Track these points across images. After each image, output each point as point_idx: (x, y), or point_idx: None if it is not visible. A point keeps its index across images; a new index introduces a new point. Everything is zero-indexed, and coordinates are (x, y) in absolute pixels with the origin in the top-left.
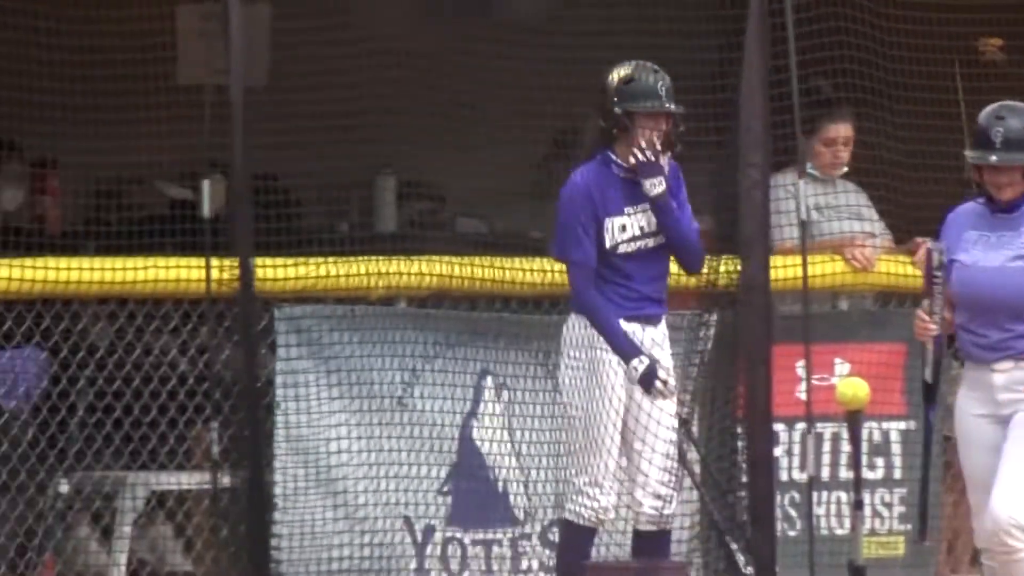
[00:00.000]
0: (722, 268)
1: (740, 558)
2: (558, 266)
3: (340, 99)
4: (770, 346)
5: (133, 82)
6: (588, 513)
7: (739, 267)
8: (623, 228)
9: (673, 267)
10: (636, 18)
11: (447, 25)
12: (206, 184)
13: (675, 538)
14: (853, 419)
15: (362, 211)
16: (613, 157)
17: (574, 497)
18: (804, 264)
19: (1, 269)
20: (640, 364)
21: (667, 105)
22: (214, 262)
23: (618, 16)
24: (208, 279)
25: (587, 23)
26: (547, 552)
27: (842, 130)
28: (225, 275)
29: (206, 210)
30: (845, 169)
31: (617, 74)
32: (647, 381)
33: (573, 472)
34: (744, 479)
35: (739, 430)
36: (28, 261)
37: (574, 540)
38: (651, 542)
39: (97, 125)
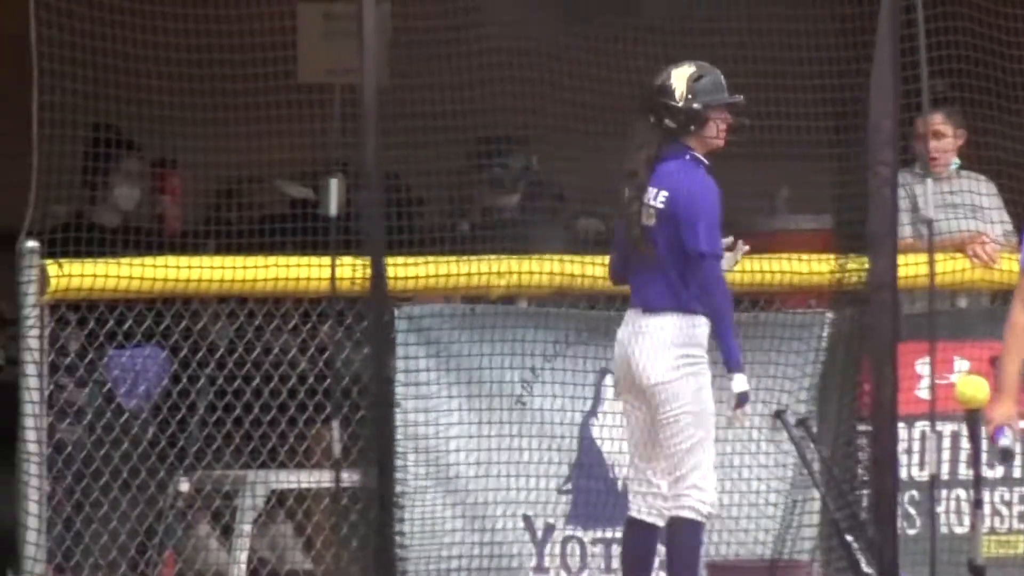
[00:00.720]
0: (850, 266)
1: (861, 557)
2: None
3: (460, 98)
4: (896, 344)
5: (254, 81)
6: (707, 509)
7: (866, 265)
8: None
9: (799, 266)
10: (762, 17)
11: (580, 26)
12: (333, 183)
13: (799, 536)
14: (972, 418)
15: (483, 210)
16: (699, 156)
17: (690, 493)
18: (931, 262)
19: (122, 268)
20: (745, 380)
21: (736, 96)
22: (338, 261)
23: (747, 16)
24: (333, 278)
25: (716, 22)
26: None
27: (930, 124)
28: (350, 274)
29: (332, 209)
30: (954, 165)
31: (684, 73)
32: (744, 398)
33: (687, 469)
34: (865, 478)
35: (860, 428)
36: (148, 260)
37: (692, 536)
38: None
39: (217, 124)
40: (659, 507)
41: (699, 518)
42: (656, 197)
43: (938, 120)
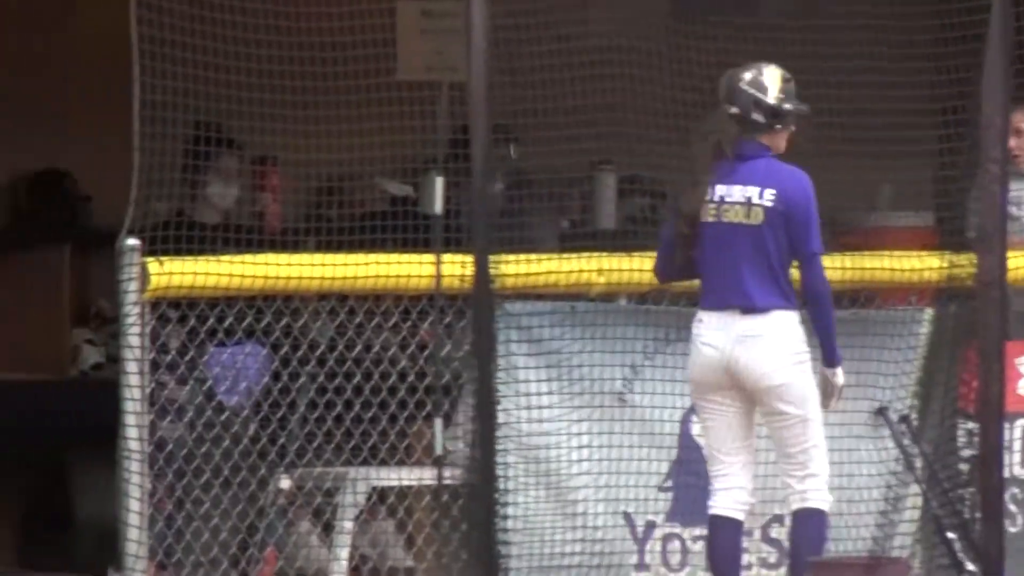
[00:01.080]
0: (959, 262)
1: (962, 554)
2: None
3: (560, 95)
4: (1004, 341)
5: (354, 78)
6: (831, 498)
7: (974, 262)
8: None
9: (900, 263)
10: (863, 14)
11: (688, 24)
12: (438, 181)
13: (900, 531)
14: None
15: (583, 207)
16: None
17: (821, 486)
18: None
19: (222, 265)
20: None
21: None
22: (442, 258)
23: (854, 12)
24: (438, 275)
25: (820, 19)
26: (766, 547)
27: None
28: (455, 271)
29: (437, 207)
30: None
31: (776, 73)
32: (839, 391)
33: (816, 464)
34: (967, 475)
35: (963, 425)
36: (249, 257)
37: (823, 527)
38: None
39: (318, 122)
40: (743, 502)
41: (827, 508)
42: (762, 195)
43: (1019, 118)
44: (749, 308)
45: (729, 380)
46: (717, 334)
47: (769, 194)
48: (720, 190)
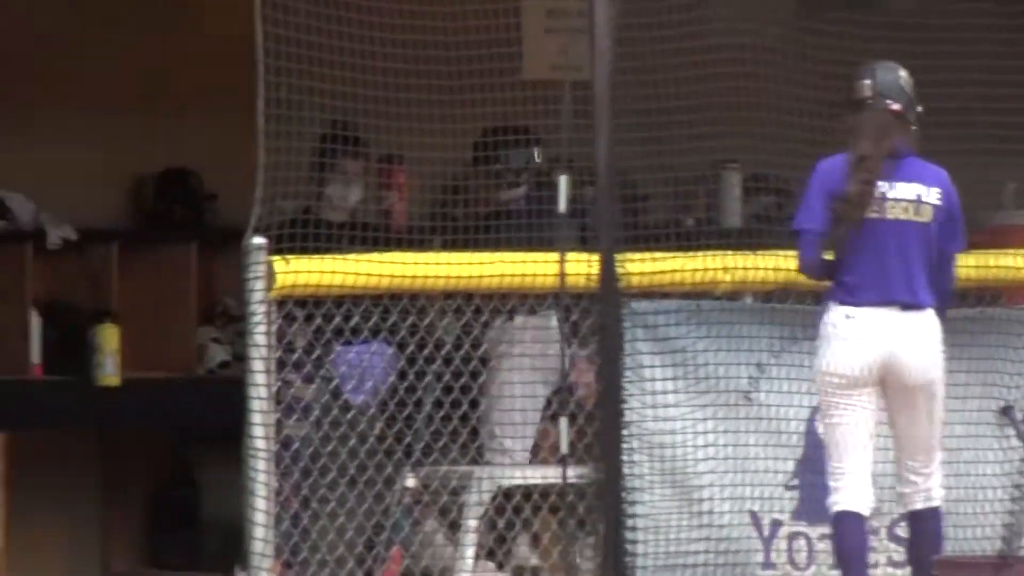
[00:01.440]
0: None
1: None
2: None
3: (685, 94)
4: None
5: (479, 77)
6: None
7: None
8: None
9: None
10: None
11: (812, 19)
12: (563, 179)
13: None
14: None
15: (708, 205)
16: None
17: (940, 485)
18: None
19: (348, 264)
20: None
21: None
22: (567, 257)
23: (978, 10)
24: (562, 273)
25: (947, 18)
26: (893, 546)
27: None
28: (579, 270)
29: (562, 205)
30: None
31: (906, 72)
32: None
33: (938, 463)
34: None
35: None
36: (375, 256)
37: (942, 525)
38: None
39: (444, 120)
40: (869, 498)
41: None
42: (930, 193)
43: None
44: (912, 304)
45: (878, 377)
46: (874, 330)
47: (936, 192)
48: (882, 186)
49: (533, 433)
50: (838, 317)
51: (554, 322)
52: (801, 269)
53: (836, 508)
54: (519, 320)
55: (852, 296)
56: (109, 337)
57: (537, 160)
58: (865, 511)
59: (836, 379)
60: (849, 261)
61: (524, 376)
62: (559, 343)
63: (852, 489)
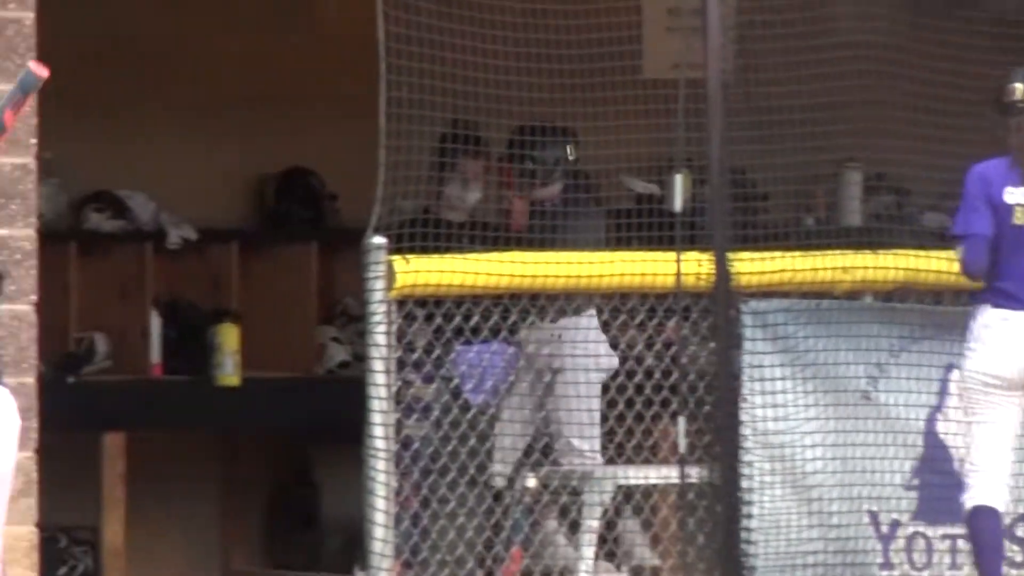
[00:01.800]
0: None
1: None
2: None
3: (805, 92)
4: None
5: (600, 75)
6: None
7: None
8: None
9: None
10: None
11: (927, 19)
12: (678, 178)
13: None
14: None
15: (828, 205)
16: None
17: None
18: None
19: (468, 263)
20: None
21: None
22: (684, 256)
23: None
24: (678, 273)
25: None
26: (1014, 547)
27: None
28: (697, 269)
29: (677, 204)
30: None
31: None
32: None
33: None
34: None
35: None
36: (495, 255)
37: None
38: None
39: (565, 119)
40: (1004, 494)
41: None
42: None
43: None
44: None
45: None
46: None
47: None
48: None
49: (598, 432)
50: (993, 319)
51: (595, 321)
52: (967, 272)
53: (971, 503)
54: (564, 321)
55: (1007, 300)
56: (229, 337)
57: (570, 158)
58: (1000, 507)
59: (988, 379)
60: (1002, 265)
61: (588, 376)
62: (606, 342)
63: (987, 485)
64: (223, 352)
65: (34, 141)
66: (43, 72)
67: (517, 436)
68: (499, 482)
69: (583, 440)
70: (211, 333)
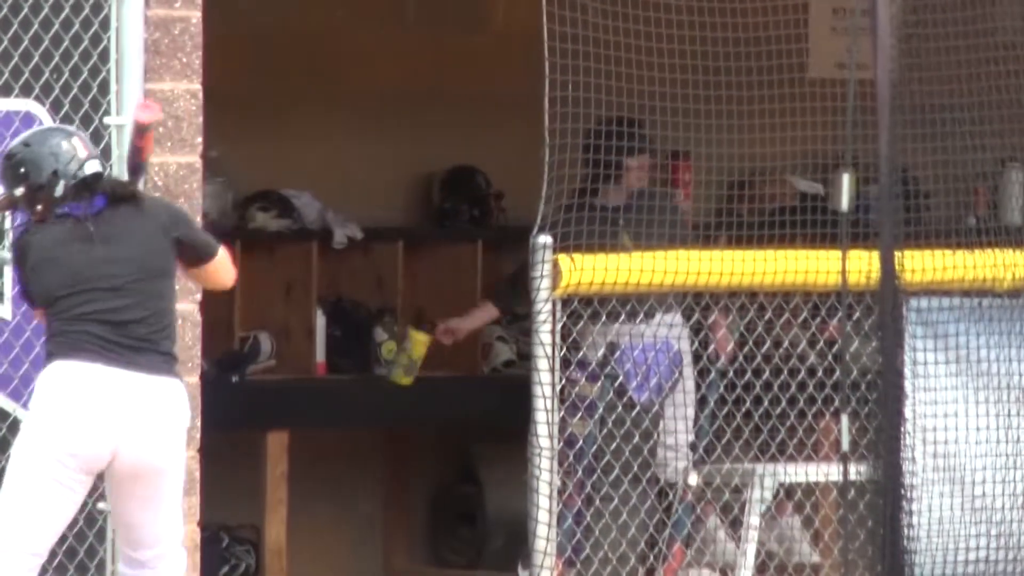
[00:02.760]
0: None
1: None
2: None
3: (969, 91)
4: None
5: (767, 73)
6: None
7: None
8: None
9: None
10: None
11: None
12: (845, 177)
13: None
14: None
15: (990, 203)
16: None
17: None
18: None
19: (633, 261)
20: None
21: None
22: (849, 254)
23: None
24: (844, 271)
25: None
26: None
27: None
28: (861, 267)
29: (844, 203)
30: None
31: None
32: None
33: None
34: None
35: None
36: (659, 253)
37: None
38: None
39: (730, 117)
40: None
41: None
42: None
43: None
44: None
45: None
46: None
47: None
48: None
49: (692, 428)
50: None
51: (679, 318)
52: None
53: None
54: (658, 318)
55: None
56: (418, 345)
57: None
58: None
59: None
60: None
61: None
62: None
63: None
64: (410, 358)
65: (200, 140)
66: (145, 116)
67: (682, 432)
68: (669, 474)
69: (680, 435)
70: (404, 337)
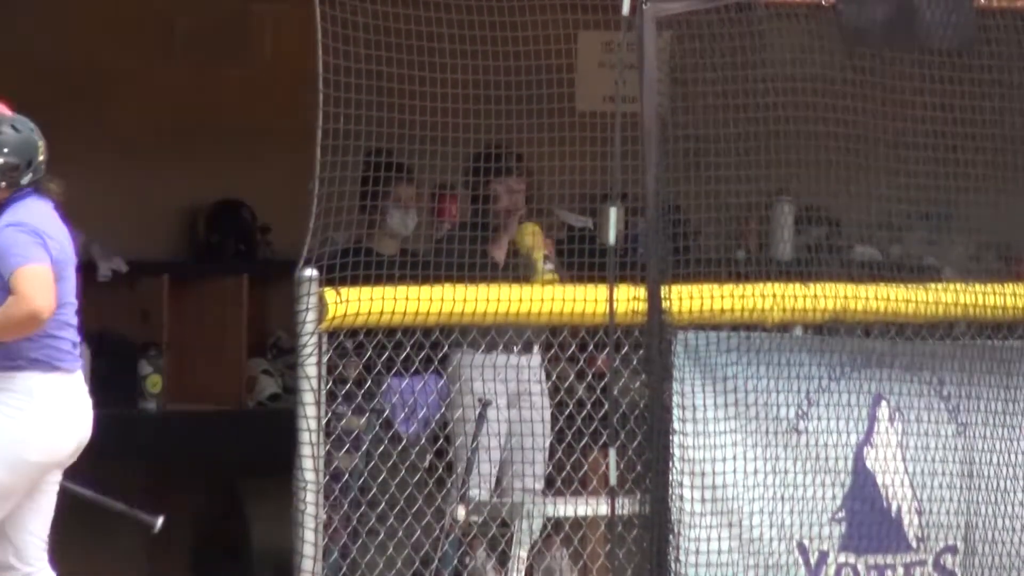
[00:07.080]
0: None
1: None
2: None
3: (736, 126)
4: None
5: (537, 103)
6: None
7: None
8: None
9: None
10: None
11: (859, 55)
12: (612, 211)
13: None
14: None
15: (760, 236)
16: None
17: None
18: None
19: (399, 295)
20: None
21: None
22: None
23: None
24: (611, 305)
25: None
26: None
27: None
28: (628, 303)
29: (611, 237)
30: None
31: None
32: None
33: None
34: None
35: None
36: (426, 288)
37: None
38: None
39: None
40: None
41: None
42: None
43: None
44: None
45: None
46: None
47: None
48: None
49: (543, 470)
50: None
51: (536, 360)
52: None
53: None
54: (503, 359)
55: None
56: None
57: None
58: None
59: None
60: None
61: (538, 414)
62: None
63: None
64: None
65: None
66: None
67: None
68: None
69: (529, 478)
70: (141, 365)
